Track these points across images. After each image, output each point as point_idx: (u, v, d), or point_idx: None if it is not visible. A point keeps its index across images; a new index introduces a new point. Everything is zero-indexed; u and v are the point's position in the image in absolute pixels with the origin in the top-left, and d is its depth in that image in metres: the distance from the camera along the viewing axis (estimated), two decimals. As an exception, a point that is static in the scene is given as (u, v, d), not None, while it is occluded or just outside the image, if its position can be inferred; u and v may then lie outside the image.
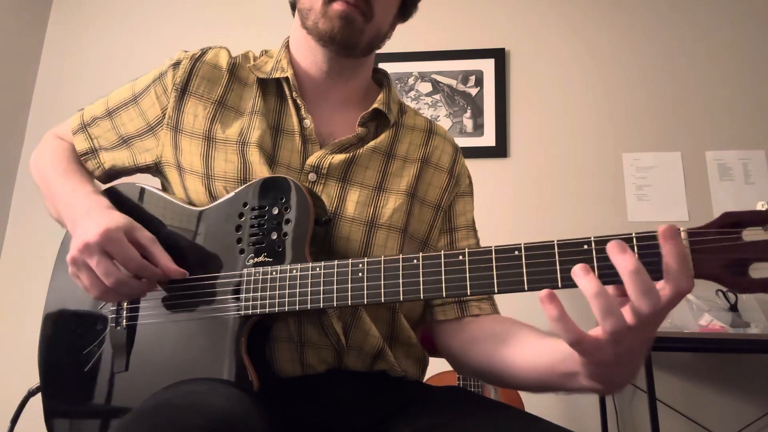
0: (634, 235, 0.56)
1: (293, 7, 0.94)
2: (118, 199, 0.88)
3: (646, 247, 0.56)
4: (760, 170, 2.28)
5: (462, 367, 0.89)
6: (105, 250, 0.72)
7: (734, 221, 0.54)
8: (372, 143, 0.89)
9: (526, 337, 0.77)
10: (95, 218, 0.76)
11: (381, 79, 0.98)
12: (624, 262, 0.53)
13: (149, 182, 0.91)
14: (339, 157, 0.85)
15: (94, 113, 0.95)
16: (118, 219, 0.76)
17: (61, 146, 0.96)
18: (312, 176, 0.84)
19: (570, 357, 0.62)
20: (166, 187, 0.93)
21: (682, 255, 0.53)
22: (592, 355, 0.57)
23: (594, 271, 0.56)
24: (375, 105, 0.90)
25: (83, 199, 0.83)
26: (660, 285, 0.54)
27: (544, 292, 0.53)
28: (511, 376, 0.77)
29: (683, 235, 0.55)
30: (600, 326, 0.54)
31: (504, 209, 2.36)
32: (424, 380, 0.93)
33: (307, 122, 0.87)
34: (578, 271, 0.54)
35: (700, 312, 1.93)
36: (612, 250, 0.54)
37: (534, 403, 1.98)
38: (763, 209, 0.53)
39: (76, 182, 0.88)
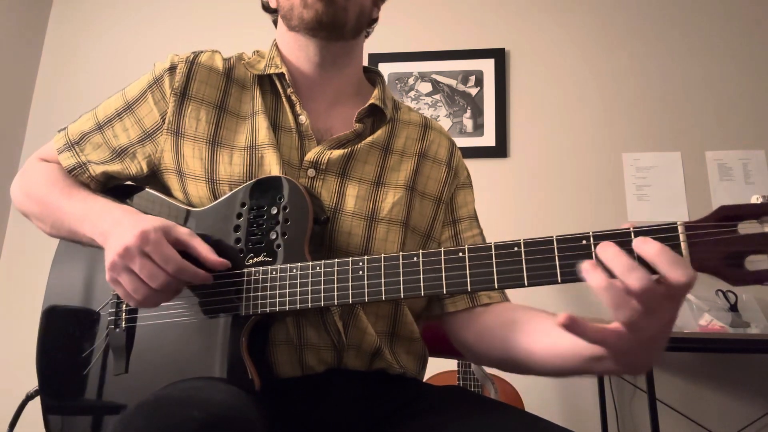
0: (632, 229, 0.57)
1: (275, 23, 0.96)
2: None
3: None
4: (760, 170, 2.28)
5: (479, 358, 0.88)
6: (144, 252, 0.70)
7: (730, 215, 0.55)
8: (369, 138, 0.89)
9: (543, 322, 0.76)
10: (130, 223, 0.74)
11: (373, 78, 0.98)
12: (617, 261, 0.55)
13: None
14: (337, 153, 0.85)
15: (82, 129, 0.90)
16: (153, 220, 0.74)
17: (51, 167, 0.91)
18: (311, 172, 0.84)
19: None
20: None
21: (660, 250, 0.54)
22: (615, 346, 0.58)
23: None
24: (372, 101, 0.90)
25: (104, 210, 0.81)
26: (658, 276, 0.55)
27: (561, 319, 0.54)
28: (530, 362, 0.76)
29: (680, 228, 0.56)
30: (614, 318, 0.56)
31: (504, 209, 2.36)
32: (424, 380, 0.93)
33: (303, 118, 0.87)
34: (586, 268, 0.55)
35: (700, 312, 1.93)
36: (604, 253, 0.56)
37: (534, 403, 1.98)
38: (758, 202, 0.54)
39: (84, 196, 0.85)
